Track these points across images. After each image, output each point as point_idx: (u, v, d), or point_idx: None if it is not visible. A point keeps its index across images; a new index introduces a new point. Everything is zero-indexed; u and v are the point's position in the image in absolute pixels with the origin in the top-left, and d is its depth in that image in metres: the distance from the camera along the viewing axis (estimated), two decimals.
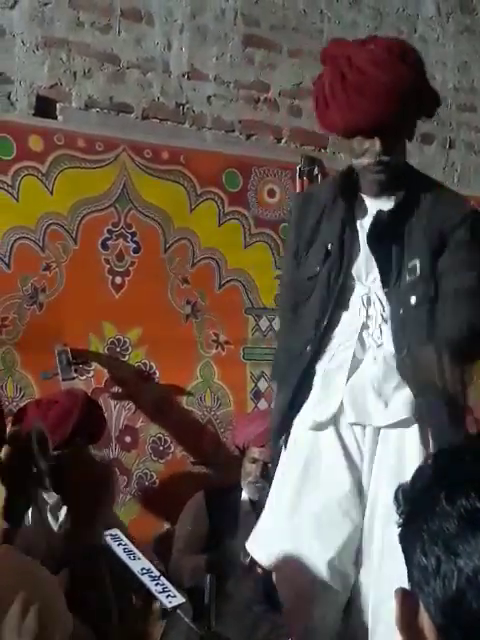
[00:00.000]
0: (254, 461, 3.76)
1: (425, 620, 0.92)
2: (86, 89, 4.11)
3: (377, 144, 2.61)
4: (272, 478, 3.52)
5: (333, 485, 2.73)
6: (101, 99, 4.14)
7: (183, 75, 4.31)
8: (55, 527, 3.36)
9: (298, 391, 2.80)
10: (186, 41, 4.33)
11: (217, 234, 4.21)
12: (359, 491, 2.73)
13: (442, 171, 4.93)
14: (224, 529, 3.67)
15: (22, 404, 3.66)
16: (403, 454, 2.66)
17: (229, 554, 3.53)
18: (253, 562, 3.36)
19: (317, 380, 2.78)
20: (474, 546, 0.87)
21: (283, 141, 4.48)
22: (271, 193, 4.32)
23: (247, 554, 3.45)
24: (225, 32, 4.42)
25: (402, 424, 2.68)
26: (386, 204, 2.72)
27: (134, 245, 4.06)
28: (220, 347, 4.19)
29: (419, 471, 0.99)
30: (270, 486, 3.59)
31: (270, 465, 3.68)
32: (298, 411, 2.80)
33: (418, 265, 2.66)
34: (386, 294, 2.70)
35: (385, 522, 2.59)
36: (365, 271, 2.75)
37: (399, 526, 0.99)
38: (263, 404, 4.24)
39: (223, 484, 3.95)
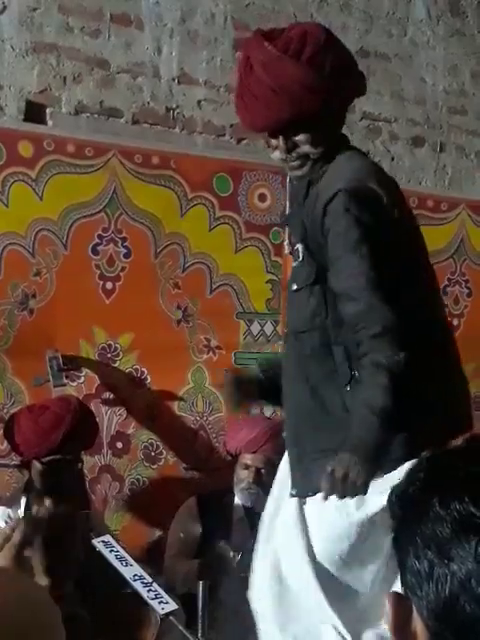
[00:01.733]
0: (246, 467, 3.75)
1: (418, 624, 0.92)
2: (76, 94, 4.10)
3: (280, 142, 2.57)
4: (266, 484, 3.55)
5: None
6: (91, 104, 4.13)
7: (173, 79, 4.31)
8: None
9: None
10: (176, 45, 4.33)
11: (208, 239, 4.20)
12: None
13: (433, 174, 4.93)
14: (216, 535, 3.66)
15: (13, 410, 3.65)
16: None
17: (222, 560, 3.51)
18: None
19: None
20: (467, 550, 0.86)
21: None
22: (262, 197, 4.31)
23: (238, 555, 3.45)
24: (215, 36, 4.41)
25: None
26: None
27: (125, 250, 4.05)
28: (212, 352, 4.18)
29: (412, 474, 0.98)
30: (264, 492, 3.62)
31: (262, 470, 3.69)
32: None
33: (300, 249, 2.59)
34: None
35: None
36: None
37: (392, 530, 0.99)
38: (255, 410, 4.23)
39: (215, 490, 3.95)
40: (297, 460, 2.62)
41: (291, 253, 2.72)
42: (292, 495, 2.61)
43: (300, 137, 2.55)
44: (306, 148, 2.57)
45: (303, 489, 2.58)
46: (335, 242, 2.45)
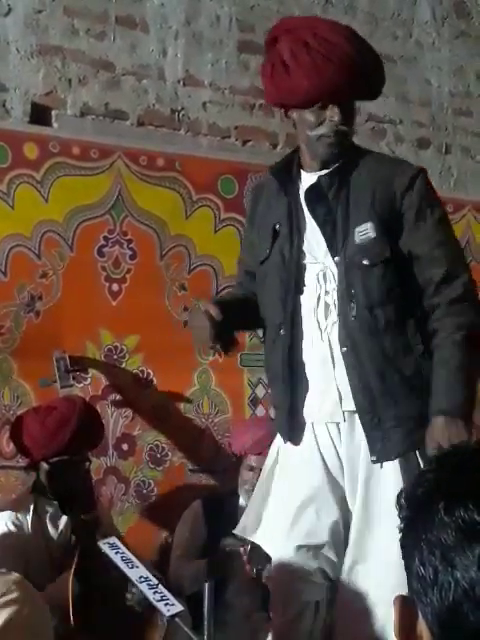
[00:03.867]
0: (251, 469, 3.74)
1: (423, 629, 0.92)
2: (81, 96, 4.11)
3: (337, 113, 2.63)
4: None
5: (303, 479, 2.74)
6: (96, 106, 4.14)
7: (178, 81, 4.31)
8: (55, 535, 3.36)
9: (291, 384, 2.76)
10: (181, 47, 4.33)
11: (213, 240, 4.20)
12: (333, 487, 2.71)
13: (438, 176, 4.92)
14: (222, 537, 3.66)
15: (19, 412, 3.65)
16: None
17: (228, 562, 3.51)
18: (259, 571, 3.36)
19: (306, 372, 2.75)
20: (471, 558, 0.87)
21: (279, 147, 4.48)
22: None
23: (236, 545, 3.44)
24: (220, 38, 4.42)
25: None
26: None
27: (130, 252, 4.05)
28: (217, 354, 4.18)
29: (421, 477, 0.98)
30: None
31: None
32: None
33: (371, 227, 2.65)
34: (336, 263, 2.68)
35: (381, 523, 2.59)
36: (316, 246, 2.72)
37: (400, 531, 0.99)
38: (261, 411, 4.23)
39: (221, 491, 3.95)
40: (375, 427, 2.65)
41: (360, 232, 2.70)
42: (373, 461, 2.65)
43: (350, 111, 2.68)
44: (340, 125, 2.65)
45: (384, 454, 2.63)
46: (422, 214, 2.63)
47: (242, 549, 3.46)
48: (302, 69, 2.63)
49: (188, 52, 4.34)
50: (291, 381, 2.74)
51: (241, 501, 3.79)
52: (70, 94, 4.09)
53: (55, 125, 4.06)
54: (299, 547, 2.70)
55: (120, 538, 2.91)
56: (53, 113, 4.06)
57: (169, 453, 4.08)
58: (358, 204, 2.67)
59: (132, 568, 2.66)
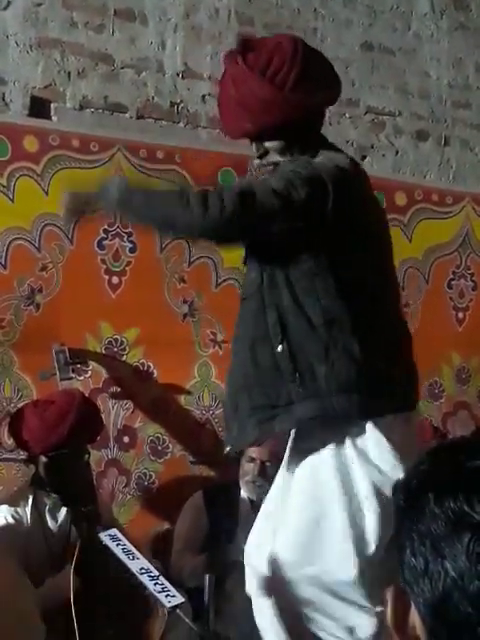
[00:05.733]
0: (251, 460, 3.76)
1: (416, 619, 0.94)
2: (80, 89, 4.11)
3: (253, 148, 2.73)
4: (271, 477, 3.56)
5: None
6: (95, 99, 4.14)
7: (177, 74, 4.31)
8: (54, 528, 3.37)
9: None
10: (180, 40, 4.33)
11: None
12: None
13: (437, 168, 4.93)
14: (223, 528, 3.67)
15: (20, 405, 3.66)
16: None
17: (229, 553, 3.52)
18: None
19: None
20: (460, 549, 0.88)
21: None
22: None
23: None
24: (219, 31, 4.42)
25: None
26: None
27: (130, 245, 4.06)
28: (217, 346, 4.19)
29: (416, 467, 0.99)
30: (269, 485, 3.62)
31: (267, 463, 3.70)
32: None
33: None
34: None
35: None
36: None
37: (395, 523, 1.00)
38: None
39: (222, 483, 3.96)
40: (232, 415, 2.74)
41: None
42: (227, 451, 2.82)
43: (269, 145, 2.70)
44: (275, 156, 2.71)
45: (237, 442, 2.80)
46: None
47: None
48: (222, 109, 2.79)
49: (187, 45, 4.34)
50: None
51: (243, 492, 3.81)
52: (69, 87, 4.09)
53: (54, 118, 4.06)
54: None
55: (121, 530, 2.91)
56: (52, 106, 4.06)
57: (170, 445, 4.09)
58: None
59: (133, 560, 2.67)
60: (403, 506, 0.98)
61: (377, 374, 2.58)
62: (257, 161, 2.77)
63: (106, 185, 2.63)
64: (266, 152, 2.71)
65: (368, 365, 2.56)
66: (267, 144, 2.70)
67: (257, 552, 2.75)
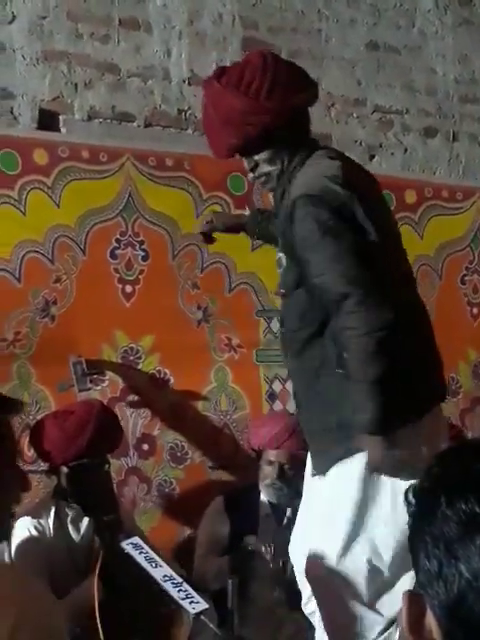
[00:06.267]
0: (270, 463, 3.76)
1: (431, 622, 0.94)
2: (88, 100, 4.13)
3: (244, 163, 2.85)
4: (290, 479, 3.60)
5: None
6: (103, 109, 4.16)
7: (184, 81, 4.33)
8: (77, 539, 3.38)
9: None
10: (185, 47, 4.35)
11: (224, 238, 4.19)
12: None
13: (447, 164, 4.93)
14: (245, 532, 3.68)
15: (39, 417, 3.68)
16: None
17: (251, 557, 3.53)
18: (284, 565, 3.41)
19: None
20: (473, 550, 0.88)
21: None
22: None
23: (270, 548, 3.48)
24: (224, 36, 4.43)
25: None
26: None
27: (142, 253, 4.07)
28: (233, 351, 4.20)
29: (427, 471, 1.00)
30: (288, 488, 3.66)
31: (286, 466, 3.71)
32: None
33: (283, 258, 2.84)
34: None
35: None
36: None
37: (408, 527, 1.01)
38: (278, 405, 4.25)
39: (242, 487, 3.96)
40: (309, 442, 2.92)
41: (277, 261, 2.92)
42: (312, 474, 2.88)
43: (258, 157, 2.80)
44: (265, 167, 2.80)
45: (317, 468, 2.85)
46: (302, 245, 2.66)
47: (264, 548, 3.49)
48: (207, 132, 2.91)
49: (192, 51, 4.35)
50: None
51: (262, 496, 3.81)
52: (77, 98, 4.11)
53: (63, 130, 4.08)
54: None
55: (143, 538, 2.93)
56: (61, 118, 4.08)
57: (189, 451, 4.10)
58: (279, 234, 2.87)
59: (156, 567, 2.68)
60: (415, 511, 0.98)
61: (414, 388, 2.65)
62: (251, 175, 2.87)
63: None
64: (256, 164, 2.81)
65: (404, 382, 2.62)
66: (256, 157, 2.79)
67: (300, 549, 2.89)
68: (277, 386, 4.25)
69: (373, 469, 2.65)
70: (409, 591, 0.97)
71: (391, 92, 4.80)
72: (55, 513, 3.37)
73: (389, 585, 2.75)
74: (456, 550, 0.90)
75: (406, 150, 4.85)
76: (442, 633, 0.93)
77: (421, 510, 0.97)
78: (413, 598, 0.97)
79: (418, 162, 4.86)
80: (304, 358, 2.80)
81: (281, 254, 2.85)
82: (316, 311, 2.72)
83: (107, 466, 3.44)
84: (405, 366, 2.59)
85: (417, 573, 0.96)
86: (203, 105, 2.86)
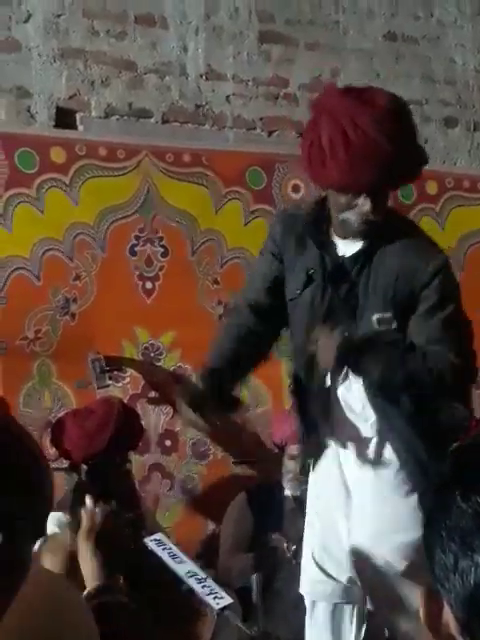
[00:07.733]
0: (293, 457, 3.75)
1: (449, 617, 0.94)
2: (105, 97, 4.13)
3: (368, 204, 2.59)
4: None
5: None
6: (120, 106, 4.16)
7: (201, 76, 4.32)
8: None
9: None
10: (202, 42, 4.34)
11: (244, 233, 4.20)
12: None
13: (468, 154, 4.89)
14: (269, 527, 3.67)
15: (60, 414, 3.69)
16: None
17: (275, 552, 3.53)
18: None
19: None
20: None
21: None
22: (296, 188, 4.30)
23: (292, 545, 3.47)
24: (240, 30, 4.42)
25: None
26: (353, 246, 2.70)
27: (162, 249, 4.07)
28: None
29: (443, 466, 1.00)
30: None
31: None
32: None
33: (391, 317, 2.68)
34: None
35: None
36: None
37: (423, 522, 1.00)
38: None
39: (265, 482, 3.96)
40: None
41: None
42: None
43: (382, 199, 2.64)
44: (373, 215, 2.61)
45: None
46: (433, 311, 2.64)
47: (285, 545, 3.48)
48: (338, 164, 2.56)
49: (209, 46, 4.34)
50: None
51: (286, 491, 3.81)
52: (94, 96, 4.11)
53: (80, 128, 4.08)
54: None
55: (165, 534, 2.92)
56: (78, 116, 4.09)
57: (212, 447, 4.09)
58: (377, 290, 2.68)
59: (180, 563, 2.67)
60: (431, 506, 0.98)
61: None
62: (363, 217, 2.62)
63: None
64: (377, 209, 2.62)
65: None
66: (378, 199, 2.61)
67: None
68: None
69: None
70: (427, 588, 0.97)
71: (410, 83, 4.76)
72: (71, 506, 3.38)
73: None
74: (472, 542, 0.89)
75: (426, 141, 4.80)
76: (460, 626, 0.92)
77: (436, 505, 0.97)
78: (430, 594, 0.97)
79: (439, 152, 4.82)
80: None
81: (389, 314, 2.70)
82: None
83: (128, 464, 3.44)
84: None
85: (433, 568, 0.96)
86: (355, 129, 2.55)
